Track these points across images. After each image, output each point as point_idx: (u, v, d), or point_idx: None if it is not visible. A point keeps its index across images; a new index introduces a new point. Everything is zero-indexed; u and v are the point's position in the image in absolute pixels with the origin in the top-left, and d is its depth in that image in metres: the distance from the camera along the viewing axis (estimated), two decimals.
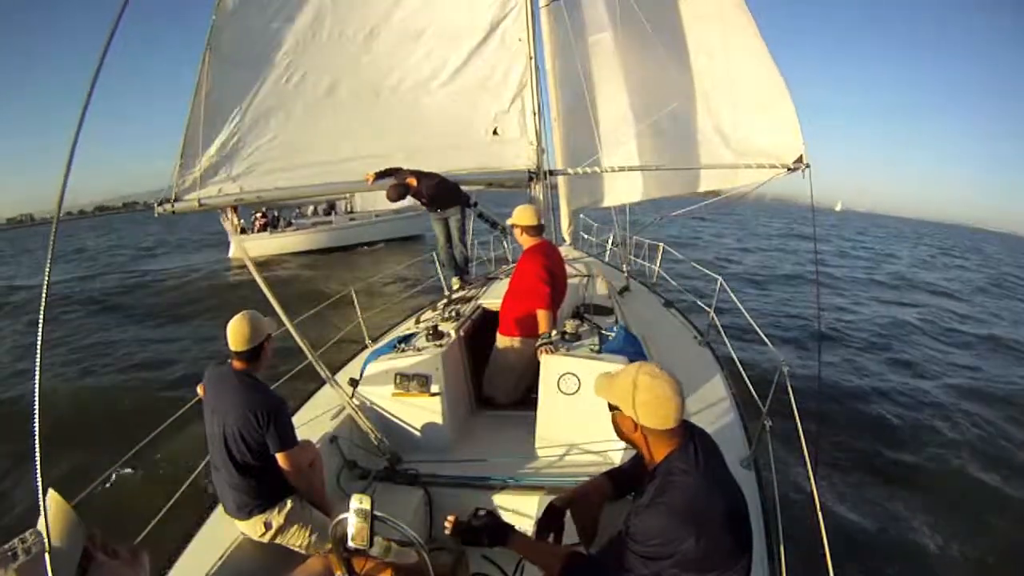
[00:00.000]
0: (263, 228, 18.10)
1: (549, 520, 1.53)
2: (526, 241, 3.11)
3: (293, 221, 19.36)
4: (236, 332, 1.99)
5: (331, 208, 19.77)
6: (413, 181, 3.79)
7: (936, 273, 20.46)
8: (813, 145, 3.87)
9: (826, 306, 10.85)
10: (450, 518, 1.41)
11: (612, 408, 1.36)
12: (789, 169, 3.78)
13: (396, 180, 3.75)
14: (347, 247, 18.18)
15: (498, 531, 1.38)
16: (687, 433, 1.31)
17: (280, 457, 1.97)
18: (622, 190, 5.45)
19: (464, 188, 4.31)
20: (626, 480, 1.56)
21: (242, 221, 17.49)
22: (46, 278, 1.16)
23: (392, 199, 3.85)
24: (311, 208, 19.97)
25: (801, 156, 3.78)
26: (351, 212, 19.37)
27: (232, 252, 17.18)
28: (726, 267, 15.32)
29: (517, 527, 1.42)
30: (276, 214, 18.77)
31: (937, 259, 27.47)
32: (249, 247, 17.00)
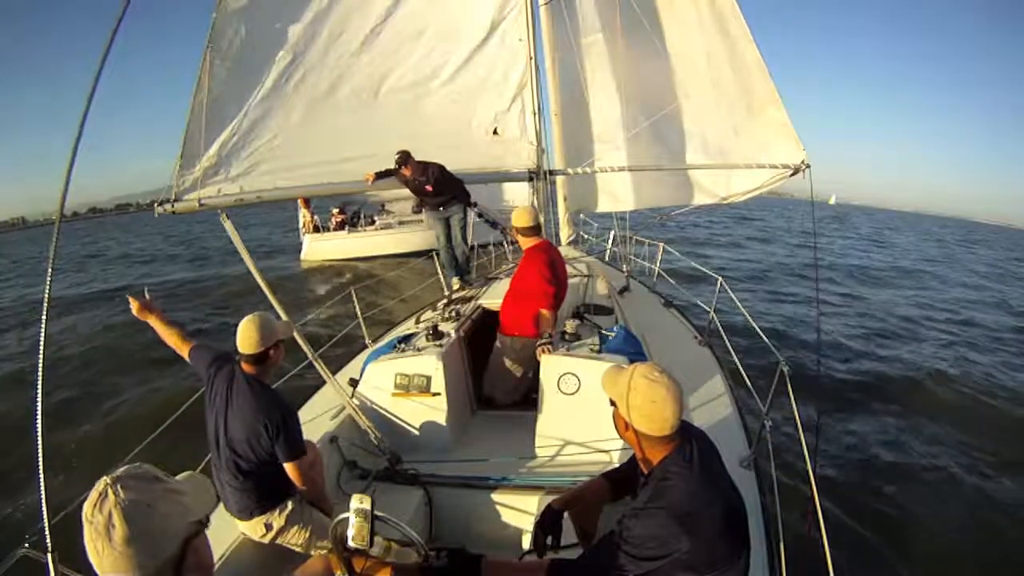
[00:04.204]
0: (340, 226, 15.22)
1: (547, 522, 1.52)
2: (526, 242, 3.12)
3: (376, 219, 15.88)
4: (245, 335, 1.93)
5: (421, 205, 16.33)
6: (407, 171, 3.80)
7: None
8: (806, 140, 3.83)
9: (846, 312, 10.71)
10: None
11: (612, 403, 1.35)
12: (793, 172, 3.75)
13: (396, 178, 3.76)
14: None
15: (467, 567, 1.30)
16: (685, 435, 1.29)
17: (289, 467, 1.95)
18: (621, 197, 5.43)
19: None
20: (624, 482, 1.55)
21: (316, 218, 15.36)
22: (48, 280, 1.16)
23: (373, 181, 3.71)
24: (397, 204, 15.97)
25: (803, 160, 3.77)
26: None
27: (304, 254, 15.20)
28: (727, 269, 15.26)
29: (516, 527, 1.42)
30: (357, 209, 15.94)
31: None
32: (323, 248, 15.09)
